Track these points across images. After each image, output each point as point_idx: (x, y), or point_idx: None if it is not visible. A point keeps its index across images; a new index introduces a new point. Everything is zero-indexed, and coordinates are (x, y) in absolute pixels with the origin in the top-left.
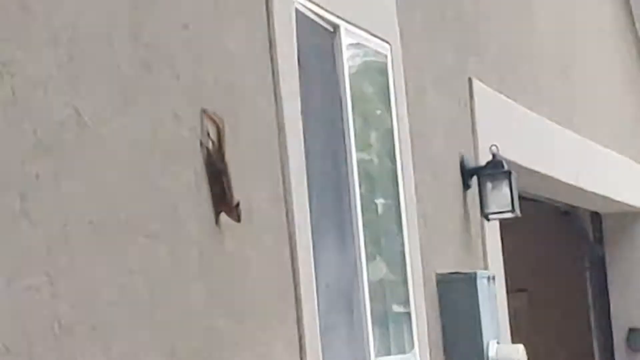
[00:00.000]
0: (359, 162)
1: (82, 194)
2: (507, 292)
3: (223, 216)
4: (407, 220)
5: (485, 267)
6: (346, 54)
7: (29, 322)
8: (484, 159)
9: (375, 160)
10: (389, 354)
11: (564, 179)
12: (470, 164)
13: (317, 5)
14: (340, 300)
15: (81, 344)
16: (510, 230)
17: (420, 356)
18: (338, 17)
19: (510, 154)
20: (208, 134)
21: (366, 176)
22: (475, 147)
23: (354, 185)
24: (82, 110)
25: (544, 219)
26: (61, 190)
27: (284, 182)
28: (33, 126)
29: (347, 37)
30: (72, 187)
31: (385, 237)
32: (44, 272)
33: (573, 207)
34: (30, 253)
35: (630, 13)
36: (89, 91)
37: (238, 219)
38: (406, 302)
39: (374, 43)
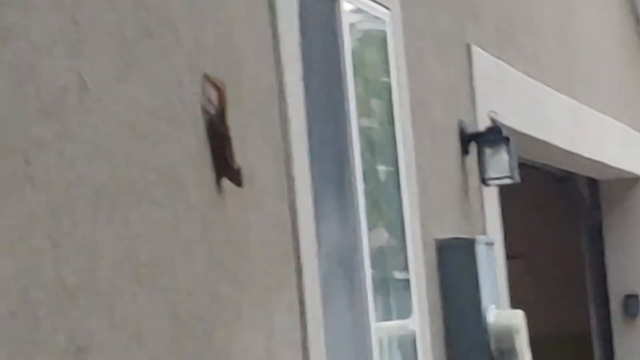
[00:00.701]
0: (359, 128)
1: (85, 159)
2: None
3: (225, 181)
4: (407, 186)
5: (484, 233)
6: (346, 19)
7: (33, 287)
8: (482, 125)
9: (376, 126)
10: (389, 319)
11: (561, 145)
12: (469, 129)
13: None
14: (341, 267)
15: (85, 308)
16: (507, 196)
17: (419, 321)
18: None
19: (508, 120)
20: (210, 99)
21: (366, 142)
22: (474, 113)
23: (354, 151)
24: (85, 75)
25: (541, 186)
26: (64, 155)
27: (285, 148)
28: (36, 90)
29: (347, 2)
30: (75, 152)
31: (385, 203)
32: (47, 236)
33: (570, 173)
34: (33, 217)
35: None
36: (92, 56)
37: (239, 184)
38: (406, 268)
39: (374, 9)
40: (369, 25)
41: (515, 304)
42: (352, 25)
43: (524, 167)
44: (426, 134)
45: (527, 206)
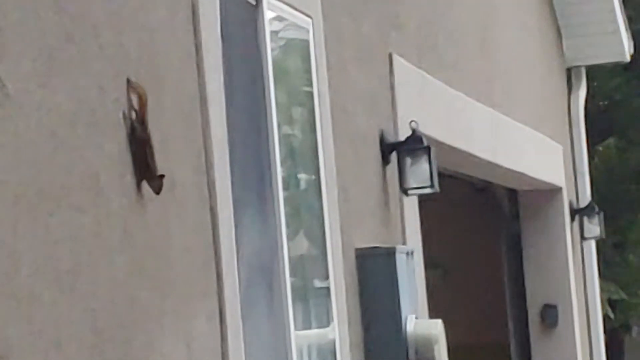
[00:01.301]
0: (280, 136)
1: (5, 165)
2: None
3: (146, 188)
4: (327, 194)
5: (404, 242)
6: (268, 27)
7: None
8: (403, 134)
9: (297, 134)
10: (309, 328)
11: (481, 155)
12: (390, 139)
13: None
14: (261, 275)
15: (3, 315)
16: (427, 206)
17: (338, 330)
18: None
19: (429, 129)
20: (131, 105)
21: (288, 150)
22: (395, 123)
23: (275, 159)
24: (7, 81)
25: (461, 196)
26: None
27: (206, 155)
28: None
29: (270, 10)
30: None
31: (306, 211)
32: None
33: (490, 183)
34: None
35: None
36: (14, 61)
37: (159, 191)
38: (326, 277)
39: (296, 17)
40: (291, 34)
41: (434, 313)
42: (274, 33)
43: (444, 176)
44: (347, 142)
45: (447, 216)
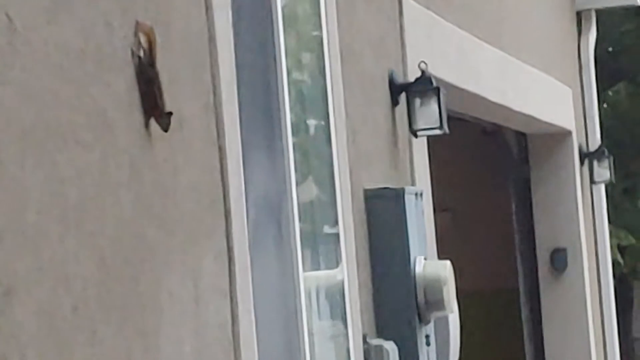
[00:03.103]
0: (289, 79)
1: (12, 100)
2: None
3: (154, 126)
4: (336, 137)
5: (413, 184)
6: None
7: None
8: (412, 75)
9: (306, 78)
10: (317, 269)
11: (490, 98)
12: (399, 80)
13: None
14: (270, 216)
15: (11, 250)
16: (436, 148)
17: (347, 271)
18: None
19: (438, 71)
20: (139, 43)
21: (297, 93)
22: (404, 64)
23: (284, 101)
24: (14, 16)
25: (470, 138)
26: None
27: (214, 93)
28: None
29: None
30: (2, 93)
31: (315, 154)
32: None
33: (499, 126)
34: None
35: None
36: None
37: (167, 128)
38: (335, 219)
39: None
40: None
41: (442, 256)
42: None
43: (453, 119)
44: (356, 84)
45: (456, 159)
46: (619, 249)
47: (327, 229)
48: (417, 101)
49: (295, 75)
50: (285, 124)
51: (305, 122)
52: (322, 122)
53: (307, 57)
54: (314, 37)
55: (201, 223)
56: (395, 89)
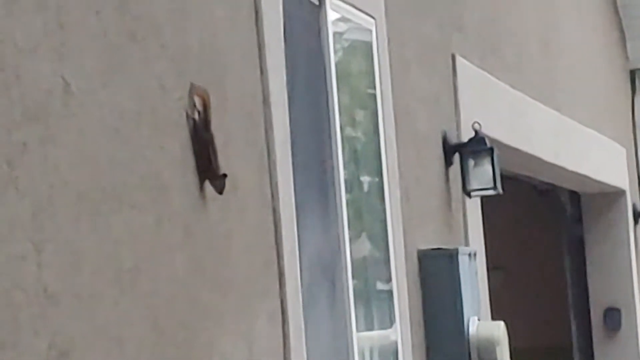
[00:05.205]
0: (343, 137)
1: (68, 163)
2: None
3: (208, 188)
4: (390, 196)
5: (466, 244)
6: (331, 28)
7: (15, 291)
8: (466, 135)
9: (360, 136)
10: (371, 329)
11: (544, 157)
12: (453, 140)
13: None
14: (323, 276)
15: (66, 313)
16: (489, 207)
17: (401, 331)
18: None
19: (491, 131)
20: (194, 105)
21: (350, 152)
22: (458, 124)
23: (338, 160)
24: (70, 79)
25: (523, 198)
26: (48, 159)
27: (268, 155)
28: (21, 93)
29: (333, 11)
30: (58, 156)
31: (368, 213)
32: (30, 240)
33: (552, 186)
34: (16, 221)
35: None
36: (77, 60)
37: (221, 191)
38: (388, 278)
39: (359, 17)
40: (355, 35)
41: (495, 316)
42: (337, 34)
43: (507, 178)
44: (410, 144)
45: (509, 218)
46: None
47: (380, 286)
48: (471, 161)
49: (349, 133)
50: (339, 182)
51: (358, 179)
52: (376, 180)
53: (360, 115)
54: (368, 96)
55: (255, 284)
56: (449, 149)
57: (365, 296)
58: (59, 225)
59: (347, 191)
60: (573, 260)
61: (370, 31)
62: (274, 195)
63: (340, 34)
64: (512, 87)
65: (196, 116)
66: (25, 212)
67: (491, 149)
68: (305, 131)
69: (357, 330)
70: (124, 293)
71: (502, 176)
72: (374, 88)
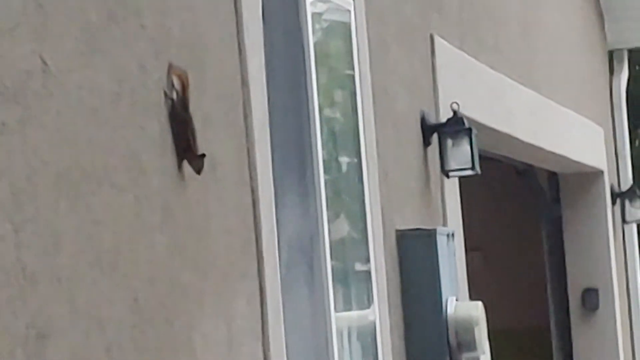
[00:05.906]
0: (321, 118)
1: (47, 144)
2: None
3: (187, 168)
4: (368, 176)
5: (445, 224)
6: (310, 8)
7: None
8: (445, 116)
9: (338, 116)
10: (349, 309)
11: (522, 138)
12: (431, 120)
13: None
14: (302, 256)
15: (45, 294)
16: (468, 188)
17: (379, 312)
18: None
19: (470, 111)
20: (172, 85)
21: (328, 132)
22: (436, 104)
23: (316, 141)
24: (48, 59)
25: (501, 178)
26: (27, 139)
27: (247, 135)
28: None
29: None
30: (37, 136)
31: (347, 193)
32: (9, 220)
33: (530, 166)
34: None
35: None
36: (56, 40)
37: (199, 171)
38: (366, 258)
39: None
40: (333, 15)
41: (473, 296)
42: (316, 14)
43: (485, 159)
44: (388, 124)
45: (487, 199)
46: None
47: (359, 266)
48: (449, 142)
49: (327, 114)
50: (318, 163)
51: (337, 160)
52: (354, 160)
53: (339, 96)
54: (346, 76)
55: (234, 265)
56: (427, 129)
57: (343, 276)
58: (37, 206)
59: (325, 172)
60: (551, 241)
61: (349, 11)
62: (253, 176)
63: (319, 14)
64: (491, 67)
65: (174, 96)
66: (3, 193)
67: (469, 129)
68: (284, 112)
69: (336, 310)
70: (104, 274)
71: (480, 157)
72: (353, 69)
